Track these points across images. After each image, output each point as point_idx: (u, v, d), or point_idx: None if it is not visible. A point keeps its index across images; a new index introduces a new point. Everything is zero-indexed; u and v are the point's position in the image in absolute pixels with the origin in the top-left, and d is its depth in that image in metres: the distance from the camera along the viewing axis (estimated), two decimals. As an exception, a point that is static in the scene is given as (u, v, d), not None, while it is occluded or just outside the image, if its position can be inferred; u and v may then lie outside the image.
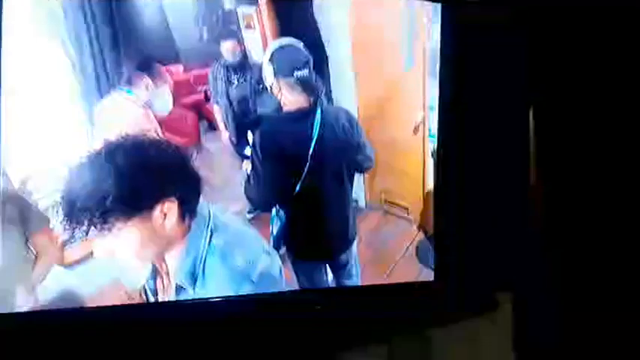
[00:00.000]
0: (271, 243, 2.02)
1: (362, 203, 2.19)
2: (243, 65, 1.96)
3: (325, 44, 2.06)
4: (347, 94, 2.13)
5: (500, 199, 2.35)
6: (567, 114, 2.45)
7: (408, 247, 2.24)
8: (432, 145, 2.28)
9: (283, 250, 2.03)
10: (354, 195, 2.16)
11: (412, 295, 2.20)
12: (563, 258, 2.43)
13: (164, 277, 1.87)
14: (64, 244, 1.80)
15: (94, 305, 1.79)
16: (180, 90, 1.84)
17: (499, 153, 2.32)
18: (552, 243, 2.45)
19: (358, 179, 2.17)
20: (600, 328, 2.36)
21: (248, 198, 1.94)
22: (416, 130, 2.26)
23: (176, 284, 1.84)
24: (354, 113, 2.13)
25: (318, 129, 2.06)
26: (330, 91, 2.08)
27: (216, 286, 1.85)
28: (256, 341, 1.98)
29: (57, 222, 1.70)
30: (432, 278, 2.26)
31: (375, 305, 2.12)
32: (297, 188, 2.04)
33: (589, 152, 2.41)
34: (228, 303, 1.85)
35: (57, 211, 1.68)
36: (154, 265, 1.84)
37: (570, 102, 2.44)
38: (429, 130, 2.29)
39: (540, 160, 2.46)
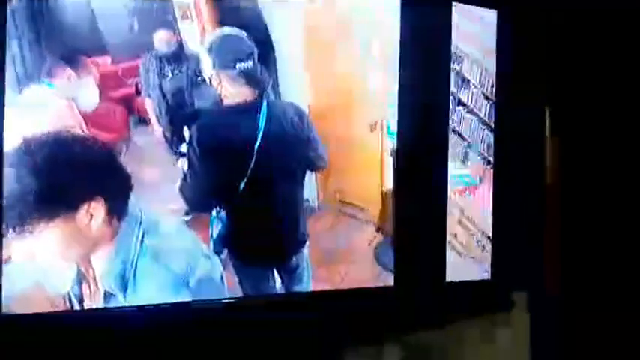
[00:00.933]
0: (211, 246, 1.89)
1: (314, 203, 2.06)
2: (178, 56, 1.84)
3: (272, 36, 1.95)
4: (297, 88, 2.00)
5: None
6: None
7: (365, 249, 2.12)
8: (390, 143, 2.17)
9: (225, 254, 1.90)
10: (305, 194, 2.04)
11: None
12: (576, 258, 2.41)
13: (91, 282, 1.75)
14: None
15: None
16: (107, 83, 1.73)
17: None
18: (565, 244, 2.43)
19: (310, 178, 2.04)
20: (614, 329, 2.34)
21: (184, 198, 1.82)
22: (373, 127, 2.14)
23: (105, 290, 1.75)
24: (305, 109, 2.01)
25: (264, 123, 1.94)
26: (278, 85, 1.96)
27: (149, 292, 1.76)
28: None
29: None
30: (391, 281, 2.16)
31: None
32: (241, 187, 1.92)
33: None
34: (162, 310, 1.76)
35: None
36: (79, 269, 1.73)
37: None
38: (388, 127, 2.17)
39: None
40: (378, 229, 2.15)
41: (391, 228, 2.15)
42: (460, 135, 2.30)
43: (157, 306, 1.74)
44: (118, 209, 1.70)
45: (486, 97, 2.32)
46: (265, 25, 1.93)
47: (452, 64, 2.28)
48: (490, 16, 2.32)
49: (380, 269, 2.14)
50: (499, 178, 2.34)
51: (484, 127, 2.32)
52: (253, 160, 1.91)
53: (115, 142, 1.73)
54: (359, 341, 2.11)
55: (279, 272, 2.01)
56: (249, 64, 1.90)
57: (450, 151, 2.29)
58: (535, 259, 2.42)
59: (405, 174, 2.17)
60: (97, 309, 1.71)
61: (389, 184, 2.16)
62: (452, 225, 2.31)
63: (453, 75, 2.28)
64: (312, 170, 2.05)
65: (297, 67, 2.01)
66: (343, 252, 2.09)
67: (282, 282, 2.00)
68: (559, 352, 2.44)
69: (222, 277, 1.88)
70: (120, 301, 1.72)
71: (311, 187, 2.04)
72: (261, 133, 1.93)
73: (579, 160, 2.44)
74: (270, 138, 1.93)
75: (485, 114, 2.32)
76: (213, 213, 1.90)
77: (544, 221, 2.44)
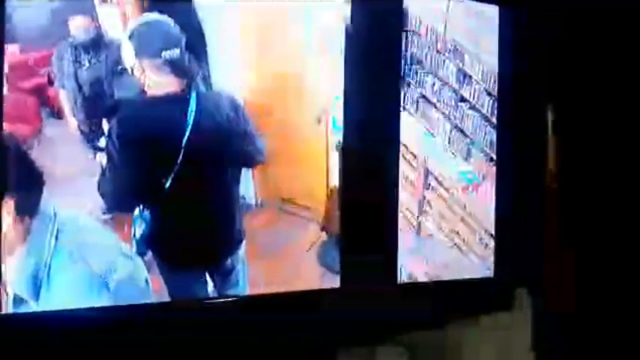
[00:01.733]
0: (134, 247, 1.77)
1: (251, 201, 1.93)
2: (96, 44, 1.71)
3: (202, 23, 1.82)
4: (231, 79, 1.87)
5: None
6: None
7: (308, 249, 1.99)
8: (337, 137, 2.05)
9: (149, 255, 1.78)
10: (242, 191, 1.91)
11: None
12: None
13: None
14: None
15: None
16: (17, 73, 1.62)
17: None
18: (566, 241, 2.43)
19: (247, 174, 1.91)
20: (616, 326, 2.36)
21: (102, 195, 1.69)
22: (318, 121, 2.01)
23: (14, 294, 1.64)
24: (240, 100, 1.87)
25: (193, 116, 1.81)
26: (209, 75, 1.83)
27: (65, 295, 1.64)
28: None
29: None
30: (337, 283, 2.04)
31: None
32: (168, 184, 1.80)
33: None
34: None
35: None
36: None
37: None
38: (334, 121, 2.04)
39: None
40: (323, 228, 2.02)
41: (337, 227, 2.03)
42: (462, 132, 2.26)
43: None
44: (29, 207, 1.60)
45: (489, 94, 2.27)
46: (194, 10, 1.80)
47: (454, 60, 2.26)
48: (491, 11, 2.29)
49: (324, 270, 2.02)
50: (501, 175, 2.31)
51: (486, 124, 2.27)
52: (181, 156, 1.79)
53: (26, 135, 1.61)
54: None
55: (211, 275, 1.88)
56: (176, 52, 1.76)
57: (453, 148, 2.26)
58: (538, 256, 2.39)
59: (353, 170, 2.04)
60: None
61: (335, 181, 2.04)
62: (454, 222, 2.27)
63: (454, 71, 2.24)
64: (249, 166, 1.92)
65: (231, 56, 1.87)
66: (284, 252, 1.97)
67: (215, 285, 1.88)
68: (561, 350, 2.41)
69: (147, 281, 1.78)
70: (31, 306, 1.62)
71: (248, 183, 1.91)
72: (189, 126, 1.80)
73: (581, 156, 2.44)
74: (200, 132, 1.81)
75: (487, 110, 2.27)
76: (136, 212, 1.78)
77: (546, 218, 2.43)
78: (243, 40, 1.90)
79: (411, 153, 2.23)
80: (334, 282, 2.03)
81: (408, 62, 2.20)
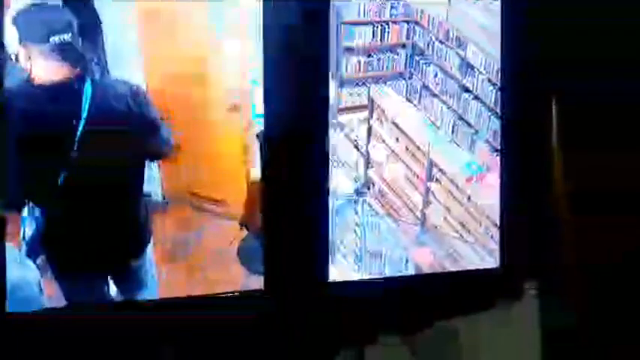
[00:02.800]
0: (23, 250, 1.63)
1: (159, 197, 1.79)
2: (-25, 30, 1.59)
3: (97, 5, 1.68)
4: (131, 64, 1.72)
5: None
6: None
7: (225, 248, 1.85)
8: (257, 126, 1.90)
9: (41, 259, 1.64)
10: (147, 187, 1.77)
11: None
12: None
13: None
14: None
15: None
16: None
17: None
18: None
19: (153, 167, 1.77)
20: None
21: (-17, 194, 1.56)
22: (234, 109, 1.87)
23: None
24: (142, 87, 1.73)
25: (87, 106, 1.67)
26: (106, 61, 1.69)
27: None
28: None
29: None
30: (259, 284, 1.89)
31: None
32: (61, 180, 1.65)
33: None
34: None
35: None
36: None
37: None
38: (253, 108, 1.90)
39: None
40: (243, 225, 1.88)
41: (259, 223, 1.89)
42: (467, 122, 2.21)
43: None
44: None
45: (492, 84, 2.22)
46: (88, -9, 1.66)
47: (456, 50, 2.19)
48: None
49: (244, 271, 1.87)
50: (506, 165, 2.23)
51: (490, 114, 2.22)
52: (75, 149, 1.65)
53: None
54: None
55: (114, 278, 1.75)
56: (67, 36, 1.62)
57: (457, 138, 2.21)
58: (545, 247, 2.32)
59: (275, 162, 1.89)
60: None
61: (255, 174, 1.89)
62: (460, 214, 2.21)
63: (457, 61, 2.18)
64: (155, 158, 1.78)
65: (130, 39, 1.72)
66: (198, 252, 1.82)
67: (119, 289, 1.74)
68: (570, 343, 2.34)
69: (40, 285, 1.64)
70: None
71: (154, 178, 1.77)
72: (84, 117, 1.65)
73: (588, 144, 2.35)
74: (96, 122, 1.66)
75: (491, 100, 2.21)
76: (25, 211, 1.64)
77: (553, 208, 2.35)
78: (144, 23, 1.75)
79: (414, 144, 2.19)
80: (257, 283, 1.89)
81: (410, 53, 2.17)
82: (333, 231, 2.04)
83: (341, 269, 2.08)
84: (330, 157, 2.00)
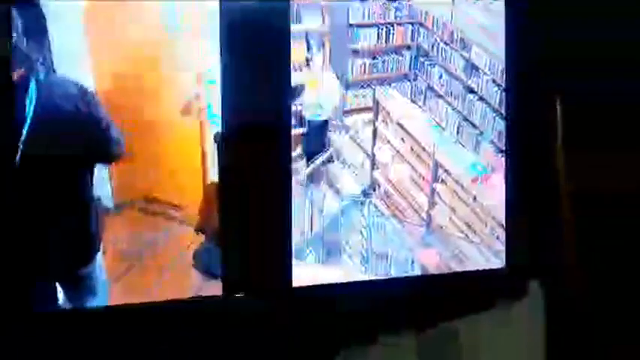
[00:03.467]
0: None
1: (109, 202, 1.73)
2: None
3: (42, 5, 1.63)
4: (77, 62, 1.67)
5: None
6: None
7: (181, 254, 1.79)
8: (213, 127, 1.84)
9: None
10: (97, 191, 1.71)
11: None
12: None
13: None
14: None
15: None
16: None
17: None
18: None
19: (102, 171, 1.72)
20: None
21: None
22: (187, 109, 1.81)
23: None
24: (90, 86, 1.68)
25: (32, 108, 1.61)
26: (51, 60, 1.63)
27: None
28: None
29: None
30: (218, 290, 1.84)
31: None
32: (6, 185, 1.59)
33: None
34: None
35: None
36: None
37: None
38: (209, 108, 1.84)
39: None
40: (199, 230, 1.83)
41: (216, 228, 1.83)
42: (472, 123, 2.22)
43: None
44: None
45: (497, 85, 2.23)
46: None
47: (461, 52, 2.21)
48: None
49: (201, 277, 1.81)
50: (511, 166, 2.25)
51: (495, 115, 2.24)
52: (19, 153, 1.59)
53: None
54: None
55: (63, 287, 1.69)
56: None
57: (462, 139, 2.22)
58: (550, 247, 2.32)
59: (233, 163, 1.83)
60: None
61: (212, 176, 1.84)
62: (466, 215, 2.21)
63: (461, 63, 2.19)
64: (105, 160, 1.72)
65: (77, 36, 1.67)
66: (152, 259, 1.76)
67: (68, 297, 1.68)
68: (575, 342, 2.35)
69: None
70: None
71: (104, 182, 1.71)
72: (29, 119, 1.61)
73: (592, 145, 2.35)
74: (41, 125, 1.61)
75: (495, 101, 2.23)
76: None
77: (557, 208, 2.35)
78: (92, 22, 1.69)
79: (420, 145, 2.19)
80: (215, 289, 1.84)
81: (415, 54, 2.17)
82: (339, 232, 2.06)
83: (347, 270, 2.07)
84: (291, 157, 1.96)
